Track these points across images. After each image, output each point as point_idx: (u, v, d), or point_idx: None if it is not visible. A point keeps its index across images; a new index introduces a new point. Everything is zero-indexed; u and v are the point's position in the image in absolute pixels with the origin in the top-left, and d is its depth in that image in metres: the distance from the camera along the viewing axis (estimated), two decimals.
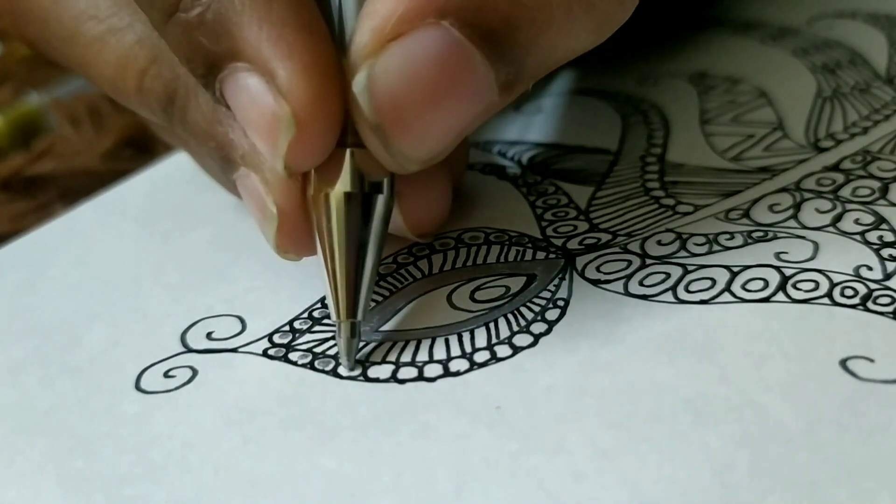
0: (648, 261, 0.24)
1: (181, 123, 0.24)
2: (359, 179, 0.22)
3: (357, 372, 0.22)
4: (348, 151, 0.22)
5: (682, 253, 0.24)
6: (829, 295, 0.22)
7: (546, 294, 0.23)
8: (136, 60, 0.24)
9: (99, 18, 0.25)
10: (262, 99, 0.21)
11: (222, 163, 0.24)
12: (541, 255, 0.25)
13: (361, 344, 0.23)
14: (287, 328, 0.24)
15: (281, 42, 0.20)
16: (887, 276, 0.22)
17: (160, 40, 0.23)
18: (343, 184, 0.22)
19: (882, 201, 0.24)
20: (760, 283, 0.22)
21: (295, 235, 0.23)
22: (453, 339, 0.23)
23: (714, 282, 0.23)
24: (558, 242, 0.25)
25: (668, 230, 0.25)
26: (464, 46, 0.20)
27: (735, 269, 0.23)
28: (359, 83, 0.20)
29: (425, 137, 0.21)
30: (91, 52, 0.25)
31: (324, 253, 0.22)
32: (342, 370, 0.22)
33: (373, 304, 0.24)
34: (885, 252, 0.23)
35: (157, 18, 0.22)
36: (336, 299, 0.22)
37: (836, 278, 0.22)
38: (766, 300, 0.22)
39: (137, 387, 0.23)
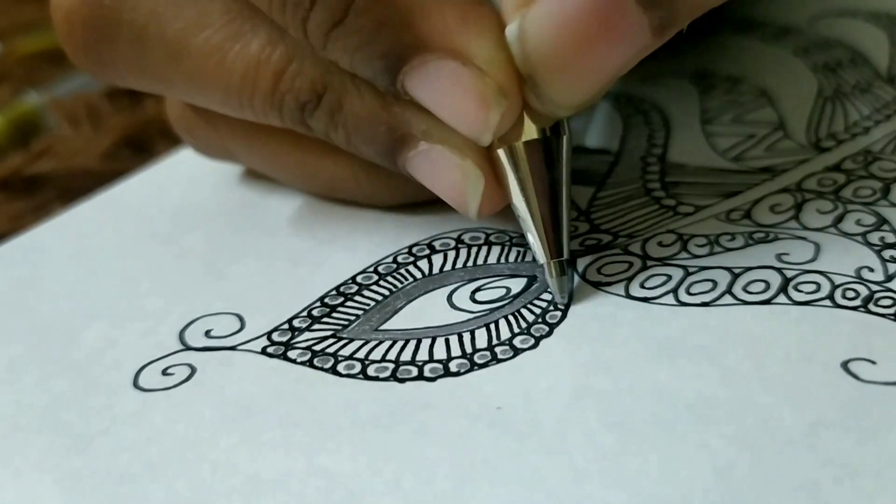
0: (649, 262, 0.24)
1: (330, 119, 0.24)
2: (538, 127, 0.22)
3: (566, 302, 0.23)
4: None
5: (683, 254, 0.24)
6: (830, 297, 0.22)
7: (547, 296, 0.23)
8: (270, 63, 0.24)
9: (214, 27, 0.24)
10: (465, 81, 0.21)
11: (393, 146, 0.23)
12: None
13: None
14: (286, 326, 0.24)
15: (467, 22, 0.21)
16: (889, 278, 0.22)
17: (292, 38, 0.23)
18: (528, 133, 0.22)
19: (883, 202, 0.24)
20: (762, 286, 0.22)
21: (495, 193, 0.23)
22: (453, 340, 0.23)
23: (715, 283, 0.23)
24: None
25: (669, 231, 0.25)
26: None
27: (736, 271, 0.23)
28: (511, 33, 0.21)
29: (576, 84, 0.21)
30: (209, 63, 0.24)
31: (523, 201, 0.23)
32: (557, 300, 0.23)
33: (373, 303, 0.24)
34: (887, 253, 0.23)
35: (320, 26, 0.21)
36: (542, 242, 0.23)
37: (838, 280, 0.22)
38: (767, 302, 0.22)
39: (136, 385, 0.23)
